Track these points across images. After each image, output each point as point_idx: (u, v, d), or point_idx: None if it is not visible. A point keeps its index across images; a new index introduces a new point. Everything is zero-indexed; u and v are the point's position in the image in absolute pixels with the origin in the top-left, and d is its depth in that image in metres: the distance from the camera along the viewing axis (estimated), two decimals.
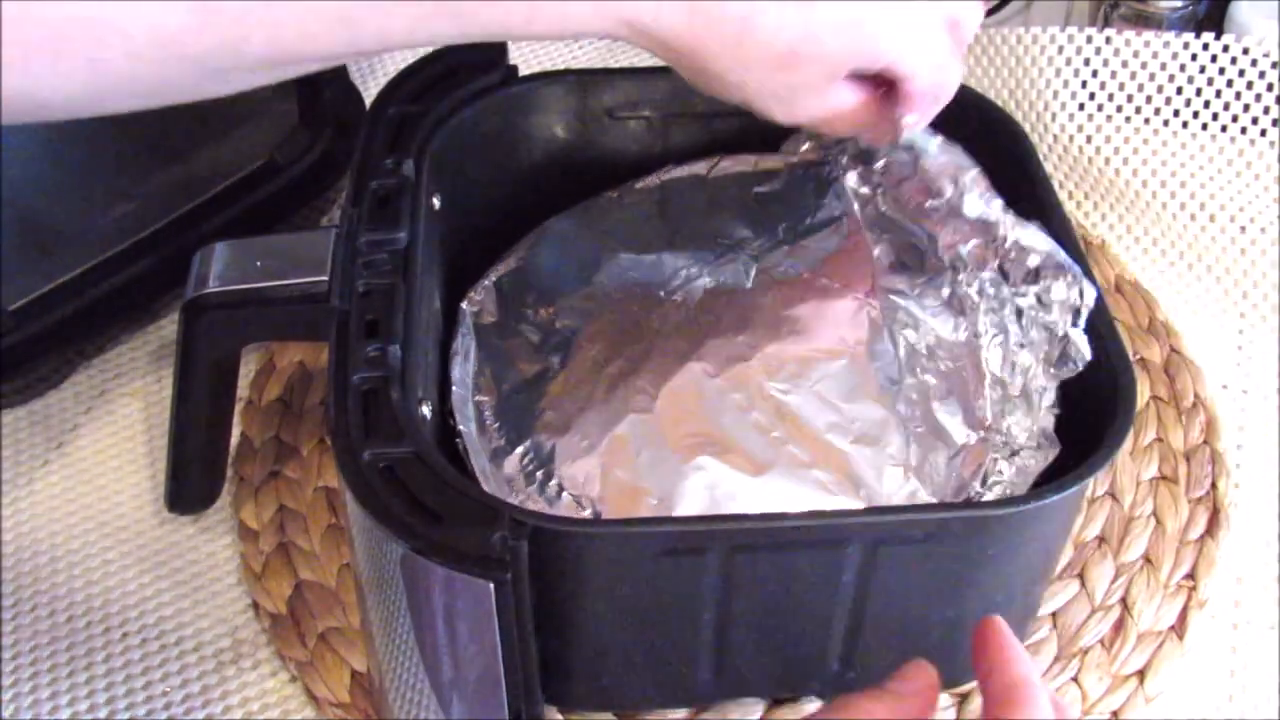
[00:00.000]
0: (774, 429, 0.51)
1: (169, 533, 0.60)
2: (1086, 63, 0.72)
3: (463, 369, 0.54)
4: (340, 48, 0.41)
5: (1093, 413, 0.48)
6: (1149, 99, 0.72)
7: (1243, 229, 0.69)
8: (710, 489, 0.49)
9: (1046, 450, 0.50)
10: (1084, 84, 0.72)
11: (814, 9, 0.44)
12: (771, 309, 0.56)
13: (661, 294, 0.57)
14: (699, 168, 0.62)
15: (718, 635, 0.48)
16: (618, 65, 0.85)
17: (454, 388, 0.53)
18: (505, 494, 0.50)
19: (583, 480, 0.50)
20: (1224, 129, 0.71)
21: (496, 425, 0.52)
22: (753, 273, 0.57)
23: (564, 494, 0.50)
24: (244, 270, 0.51)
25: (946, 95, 0.50)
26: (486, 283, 0.58)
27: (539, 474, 0.50)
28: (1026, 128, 0.60)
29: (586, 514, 0.49)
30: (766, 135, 0.60)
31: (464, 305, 0.56)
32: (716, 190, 0.61)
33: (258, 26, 0.38)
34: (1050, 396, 0.51)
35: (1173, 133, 0.72)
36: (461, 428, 0.52)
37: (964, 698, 0.54)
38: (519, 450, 0.51)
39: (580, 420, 0.52)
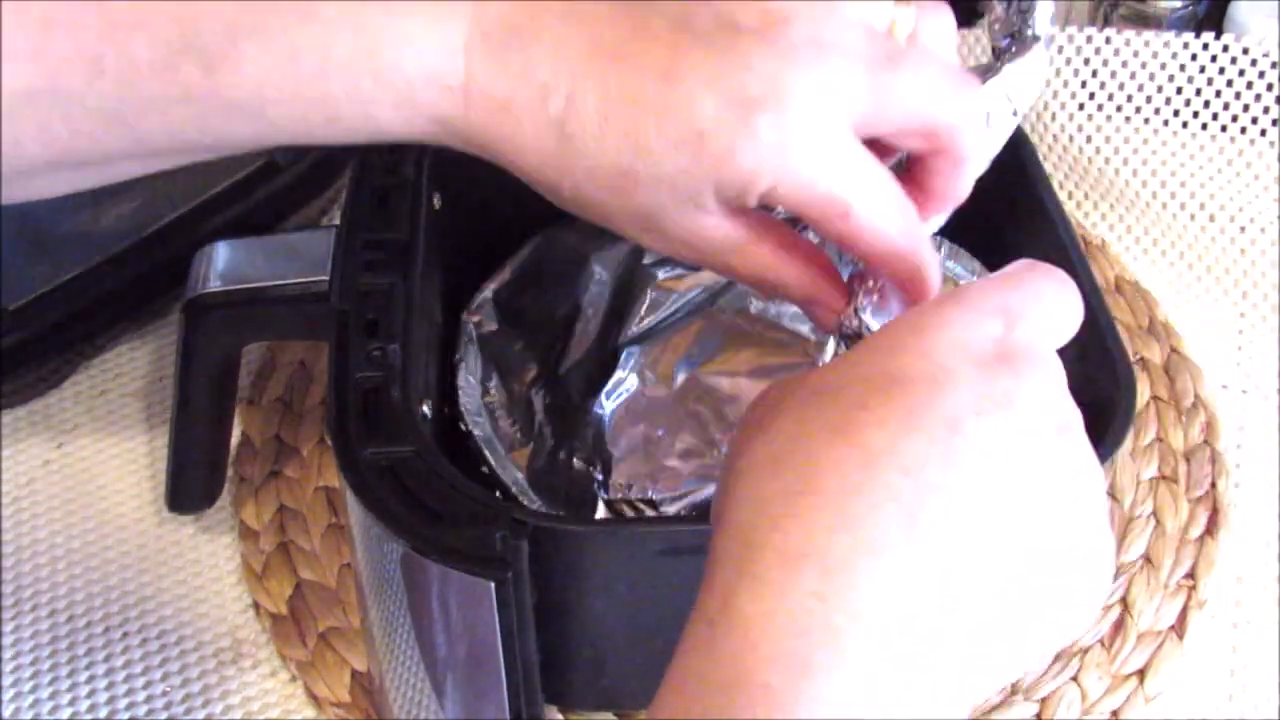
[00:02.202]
0: None
1: (169, 533, 0.60)
2: (1086, 63, 0.72)
3: (467, 376, 0.54)
4: (129, 146, 0.38)
5: (1093, 413, 0.48)
6: (1149, 99, 0.72)
7: (1243, 229, 0.69)
8: None
9: None
10: (1084, 84, 0.72)
11: (642, 117, 0.35)
12: (765, 316, 0.55)
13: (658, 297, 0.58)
14: None
15: None
16: None
17: (461, 391, 0.53)
18: (530, 491, 0.50)
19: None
20: (1224, 129, 0.71)
21: (510, 422, 0.53)
22: None
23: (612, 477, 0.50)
24: (244, 270, 0.51)
25: (898, 233, 0.38)
26: (485, 293, 0.58)
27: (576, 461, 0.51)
28: (1026, 128, 0.60)
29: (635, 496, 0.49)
30: None
31: (464, 317, 0.57)
32: None
33: (28, 124, 0.36)
34: None
35: (1173, 133, 0.72)
36: (476, 431, 0.52)
37: None
38: (544, 447, 0.52)
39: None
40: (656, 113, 0.35)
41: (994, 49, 0.49)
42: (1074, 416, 0.34)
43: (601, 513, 0.51)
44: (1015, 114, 0.46)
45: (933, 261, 0.39)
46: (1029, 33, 0.47)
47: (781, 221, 0.40)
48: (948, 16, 0.41)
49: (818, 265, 0.40)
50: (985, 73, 0.46)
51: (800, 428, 0.32)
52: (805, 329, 0.58)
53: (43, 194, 0.41)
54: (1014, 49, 0.46)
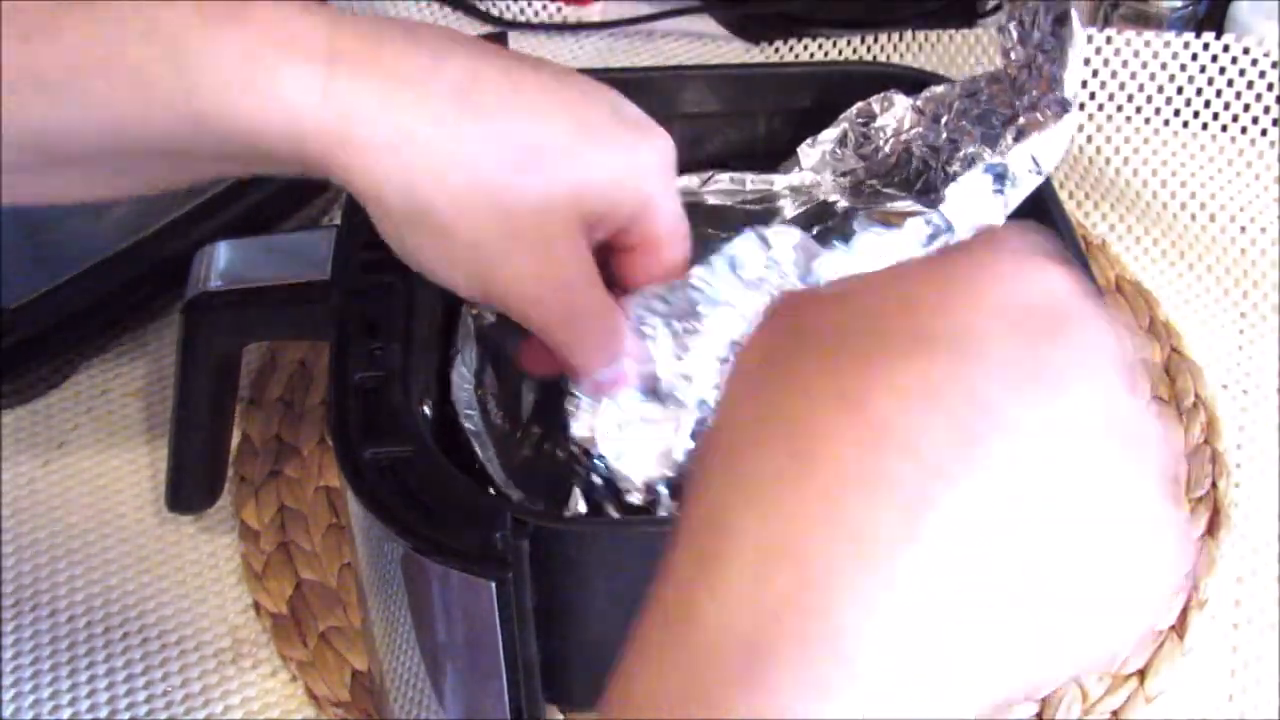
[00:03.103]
0: None
1: (169, 533, 0.60)
2: (1086, 63, 0.72)
3: (461, 368, 0.54)
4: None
5: None
6: (1149, 99, 0.72)
7: (1243, 229, 0.69)
8: None
9: None
10: (1084, 84, 0.72)
11: (449, 235, 0.41)
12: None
13: None
14: (692, 181, 0.61)
15: None
16: (618, 65, 0.85)
17: (455, 384, 0.53)
18: (511, 483, 0.50)
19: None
20: (1224, 129, 0.72)
21: (501, 416, 0.52)
22: None
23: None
24: (244, 270, 0.51)
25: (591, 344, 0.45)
26: None
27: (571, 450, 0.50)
28: None
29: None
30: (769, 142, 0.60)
31: (464, 309, 0.57)
32: (711, 210, 0.61)
33: None
34: None
35: (1173, 133, 0.72)
36: (467, 425, 0.52)
37: None
38: (530, 439, 0.51)
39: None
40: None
41: (1014, 87, 0.49)
42: (1125, 402, 0.28)
43: (579, 503, 0.50)
44: (1039, 173, 0.47)
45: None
46: (1057, 95, 0.47)
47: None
48: None
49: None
50: (1016, 136, 0.47)
51: (794, 381, 0.27)
52: None
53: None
54: (1040, 115, 0.47)
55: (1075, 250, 0.52)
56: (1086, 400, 0.27)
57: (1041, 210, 0.54)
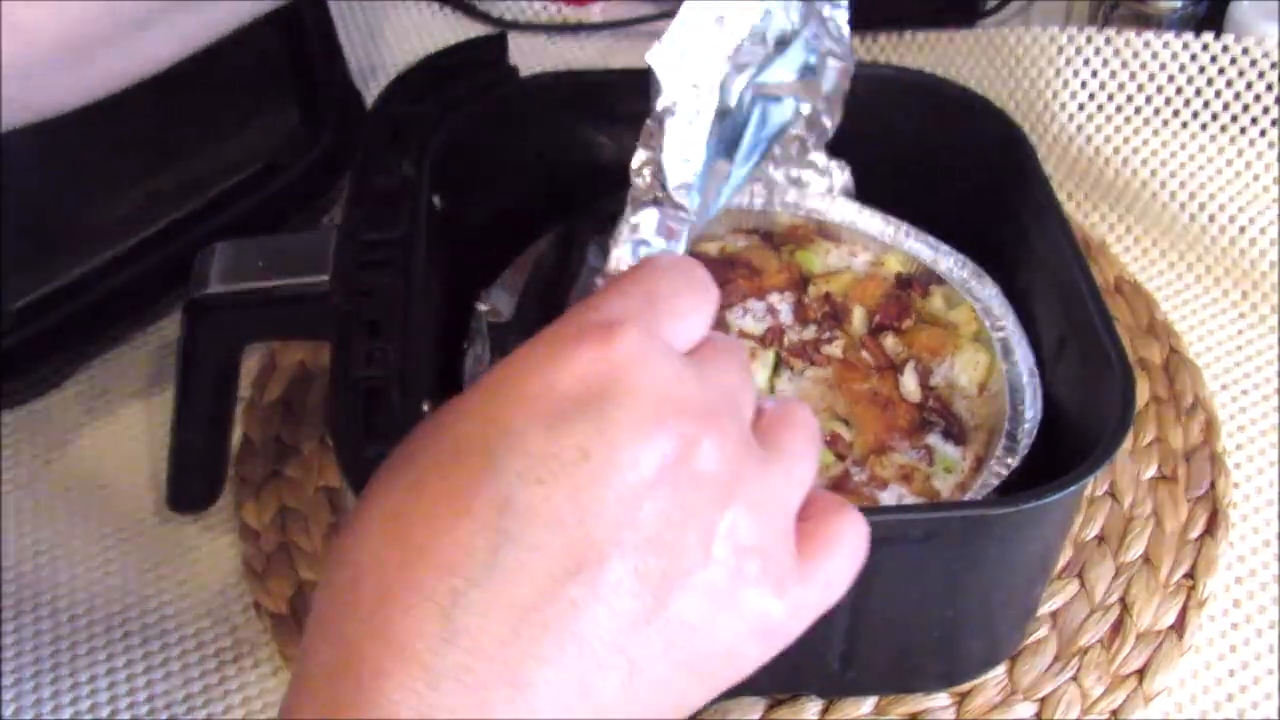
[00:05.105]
0: None
1: (169, 532, 0.60)
2: (1086, 63, 0.72)
3: (475, 365, 0.54)
4: None
5: (1092, 413, 0.48)
6: (1149, 99, 0.72)
7: (1242, 229, 0.69)
8: None
9: None
10: (1084, 84, 0.72)
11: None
12: None
13: None
14: None
15: None
16: (618, 65, 0.85)
17: (466, 381, 0.53)
18: None
19: None
20: (1224, 129, 0.72)
21: None
22: None
23: None
24: (245, 270, 0.51)
25: None
26: (499, 284, 0.58)
27: None
28: (1026, 128, 0.60)
29: None
30: None
31: (478, 305, 0.57)
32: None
33: None
34: None
35: (1173, 133, 0.72)
36: None
37: (963, 697, 0.54)
38: None
39: None
40: None
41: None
42: (669, 449, 0.29)
43: None
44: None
45: None
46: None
47: None
48: None
49: None
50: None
51: (369, 511, 0.30)
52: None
53: (59, 100, 0.39)
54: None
55: (1075, 250, 0.52)
56: (615, 465, 0.28)
57: (1042, 210, 0.54)
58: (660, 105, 0.44)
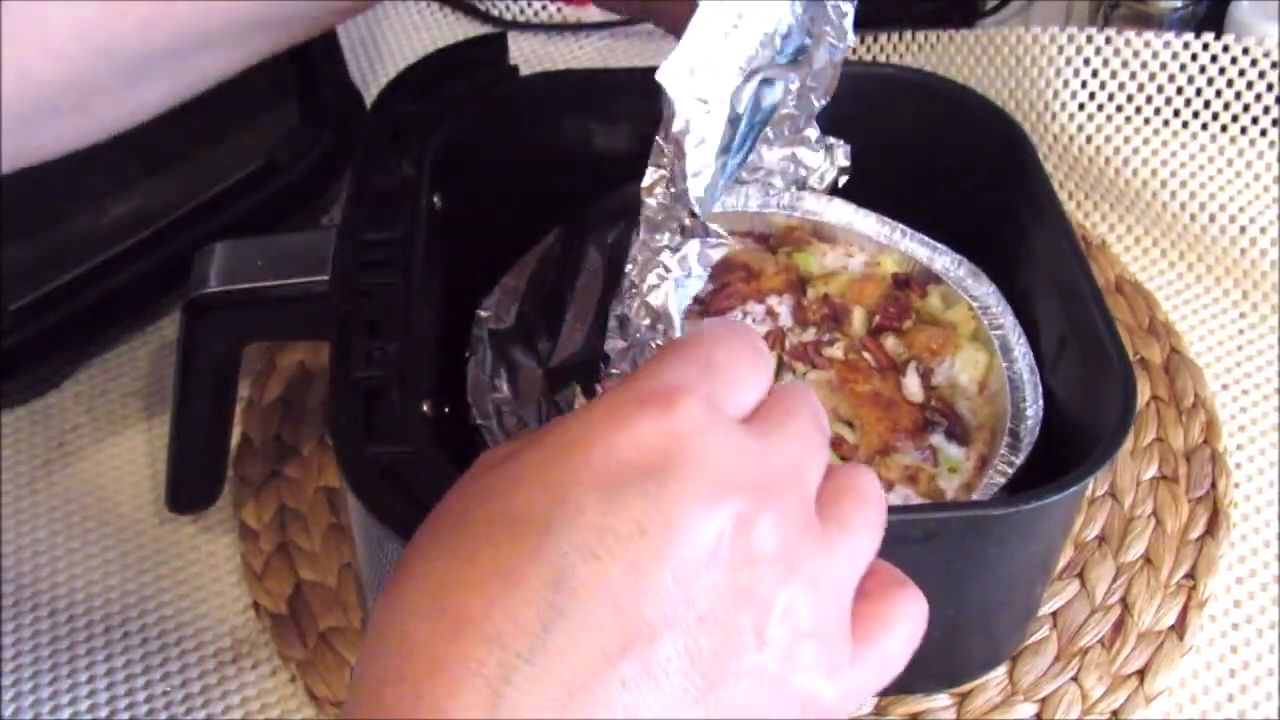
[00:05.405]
0: None
1: (169, 533, 0.60)
2: (1086, 63, 0.72)
3: (477, 372, 0.54)
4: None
5: (1093, 413, 0.48)
6: (1149, 99, 0.72)
7: (1243, 229, 0.69)
8: None
9: None
10: (1084, 84, 0.72)
11: None
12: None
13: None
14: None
15: None
16: (618, 65, 0.85)
17: (469, 389, 0.53)
18: None
19: None
20: (1224, 129, 0.72)
21: (515, 420, 0.52)
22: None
23: None
24: (245, 270, 0.51)
25: None
26: (500, 288, 0.58)
27: None
28: (1026, 128, 0.60)
29: None
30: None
31: (479, 312, 0.56)
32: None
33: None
34: None
35: (1173, 133, 0.72)
36: (480, 422, 0.52)
37: (964, 697, 0.54)
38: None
39: None
40: None
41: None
42: (727, 526, 0.28)
43: None
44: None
45: None
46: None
47: None
48: None
49: None
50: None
51: (415, 579, 0.29)
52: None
53: (56, 147, 0.40)
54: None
55: (1075, 250, 0.52)
56: (671, 542, 0.28)
57: (1042, 210, 0.54)
58: (676, 127, 0.42)
